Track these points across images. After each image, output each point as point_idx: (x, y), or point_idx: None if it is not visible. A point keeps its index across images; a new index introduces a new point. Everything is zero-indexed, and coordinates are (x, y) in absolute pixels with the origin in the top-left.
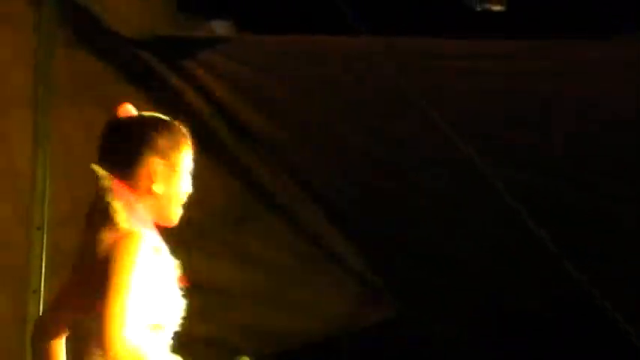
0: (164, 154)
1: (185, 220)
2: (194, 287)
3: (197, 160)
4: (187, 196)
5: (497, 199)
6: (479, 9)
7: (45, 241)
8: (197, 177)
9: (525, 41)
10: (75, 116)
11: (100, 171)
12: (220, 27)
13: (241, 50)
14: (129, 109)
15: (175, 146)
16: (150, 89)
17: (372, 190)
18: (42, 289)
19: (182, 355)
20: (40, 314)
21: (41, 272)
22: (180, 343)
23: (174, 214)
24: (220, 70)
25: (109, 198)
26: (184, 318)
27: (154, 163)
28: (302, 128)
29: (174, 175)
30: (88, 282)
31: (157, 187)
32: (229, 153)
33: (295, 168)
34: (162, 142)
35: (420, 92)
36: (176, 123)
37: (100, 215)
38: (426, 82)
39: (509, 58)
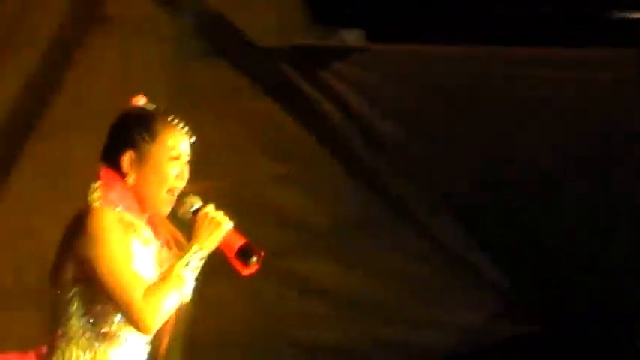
0: (136, 146)
1: (316, 227)
2: (322, 293)
3: (330, 169)
4: (178, 185)
5: None
6: None
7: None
8: (329, 185)
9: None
10: (207, 125)
11: (99, 162)
12: (351, 36)
13: (373, 59)
14: (137, 100)
15: (150, 138)
16: (285, 99)
17: (507, 200)
18: None
19: None
20: None
21: None
22: (306, 349)
23: (159, 204)
24: (353, 79)
25: (93, 183)
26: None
27: (125, 155)
28: (433, 137)
29: (148, 166)
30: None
31: (130, 178)
32: (363, 162)
33: (428, 177)
34: (135, 134)
35: (541, 100)
36: (160, 114)
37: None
38: (545, 91)
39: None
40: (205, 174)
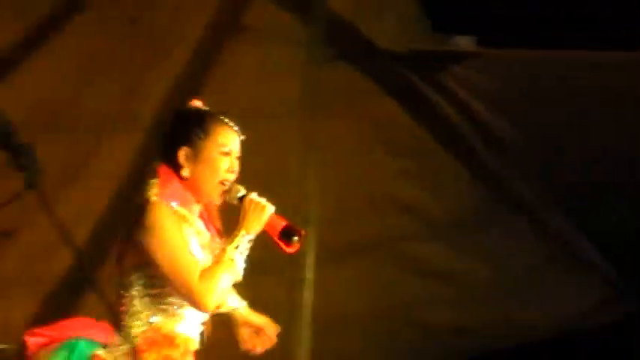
0: (191, 143)
1: (435, 216)
2: (439, 276)
3: (448, 164)
4: (229, 177)
5: None
6: None
7: (314, 236)
8: (447, 179)
9: None
10: (342, 132)
11: (156, 160)
12: (463, 42)
13: (485, 63)
14: (193, 102)
15: (204, 135)
16: (405, 100)
17: (612, 191)
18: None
19: (431, 344)
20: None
21: (310, 263)
22: (422, 327)
23: (212, 194)
24: (466, 81)
25: (150, 178)
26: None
27: (181, 151)
28: (543, 135)
29: (202, 160)
30: (127, 244)
31: (185, 172)
32: (478, 158)
33: (539, 173)
34: (191, 132)
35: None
36: (211, 115)
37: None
38: None
39: None
40: (336, 169)
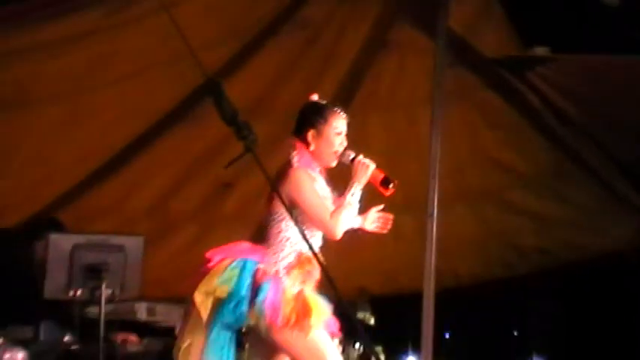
0: (314, 125)
1: (523, 172)
2: (527, 214)
3: (530, 137)
4: (340, 149)
5: None
6: None
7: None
8: (532, 146)
9: None
10: (458, 116)
11: (293, 138)
12: (540, 50)
13: (559, 65)
14: (313, 97)
15: (324, 121)
16: (505, 93)
17: None
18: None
19: (522, 262)
20: None
21: (435, 205)
22: (517, 249)
23: (330, 161)
24: (546, 78)
25: (292, 152)
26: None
27: (309, 132)
28: (602, 117)
29: (323, 138)
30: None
31: (312, 147)
32: (553, 133)
33: (597, 141)
34: (315, 118)
35: None
36: (329, 105)
37: (288, 162)
38: None
39: None
40: (454, 140)
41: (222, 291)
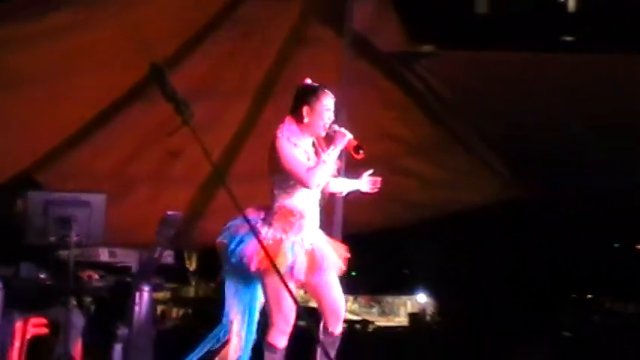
0: (309, 103)
1: (412, 142)
2: (413, 175)
3: (417, 116)
4: (328, 121)
5: None
6: None
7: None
8: (416, 124)
9: None
10: (361, 99)
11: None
12: (427, 47)
13: (441, 59)
14: (306, 81)
15: (316, 99)
16: (397, 81)
17: (515, 128)
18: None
19: (409, 215)
20: None
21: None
22: (408, 207)
23: (320, 131)
24: (431, 70)
25: (280, 125)
26: None
27: (303, 108)
28: (475, 101)
29: (315, 113)
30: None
31: (306, 120)
32: (435, 113)
33: (470, 120)
34: (309, 96)
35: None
36: (319, 87)
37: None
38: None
39: None
40: (355, 122)
41: (223, 245)
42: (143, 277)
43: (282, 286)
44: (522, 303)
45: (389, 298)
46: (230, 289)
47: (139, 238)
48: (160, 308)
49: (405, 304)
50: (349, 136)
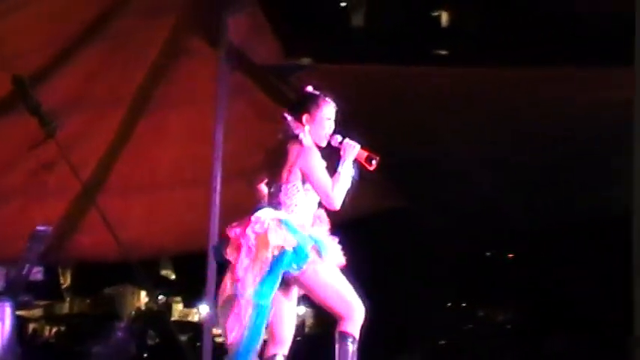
0: (309, 110)
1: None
2: None
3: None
4: (330, 130)
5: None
6: None
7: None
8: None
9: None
10: (237, 110)
11: (289, 119)
12: (305, 60)
13: (315, 72)
14: (308, 89)
15: (316, 106)
16: (272, 93)
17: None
18: None
19: None
20: None
21: None
22: None
23: (320, 142)
24: (306, 81)
25: (295, 129)
26: None
27: (304, 115)
28: (353, 114)
29: (315, 120)
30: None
31: (307, 128)
32: None
33: (352, 134)
34: (309, 104)
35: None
36: (320, 95)
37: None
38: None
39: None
40: (231, 134)
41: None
42: (10, 294)
43: (338, 278)
44: (398, 312)
45: None
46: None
47: (6, 254)
48: (31, 326)
49: None
50: (358, 146)
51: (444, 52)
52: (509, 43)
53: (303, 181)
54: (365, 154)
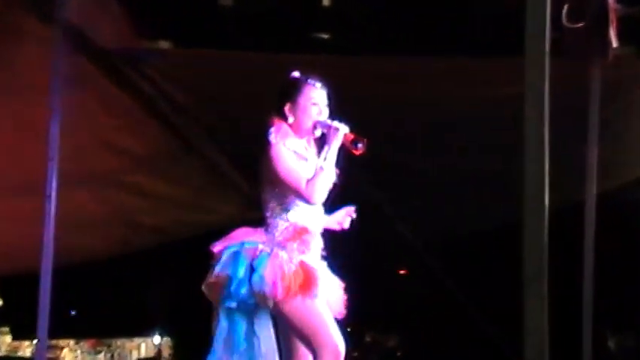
0: (292, 98)
1: (137, 155)
2: (142, 193)
3: (145, 123)
4: (319, 119)
5: None
6: None
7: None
8: (144, 133)
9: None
10: (77, 102)
11: (273, 114)
12: (163, 44)
13: (173, 59)
14: (294, 74)
15: (299, 92)
16: (120, 82)
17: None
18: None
19: (139, 241)
20: None
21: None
22: (138, 231)
23: (310, 131)
24: (160, 70)
25: (269, 127)
26: None
27: (286, 105)
28: (211, 106)
29: (299, 109)
30: (261, 171)
31: (289, 119)
32: (167, 120)
33: (207, 128)
34: (290, 91)
35: None
36: (304, 79)
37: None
38: None
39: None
40: (70, 130)
41: (223, 278)
42: None
43: (317, 313)
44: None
45: (119, 341)
46: (223, 329)
47: None
48: None
49: (138, 347)
50: (343, 129)
51: (325, 36)
52: (398, 27)
53: (281, 190)
54: (351, 136)
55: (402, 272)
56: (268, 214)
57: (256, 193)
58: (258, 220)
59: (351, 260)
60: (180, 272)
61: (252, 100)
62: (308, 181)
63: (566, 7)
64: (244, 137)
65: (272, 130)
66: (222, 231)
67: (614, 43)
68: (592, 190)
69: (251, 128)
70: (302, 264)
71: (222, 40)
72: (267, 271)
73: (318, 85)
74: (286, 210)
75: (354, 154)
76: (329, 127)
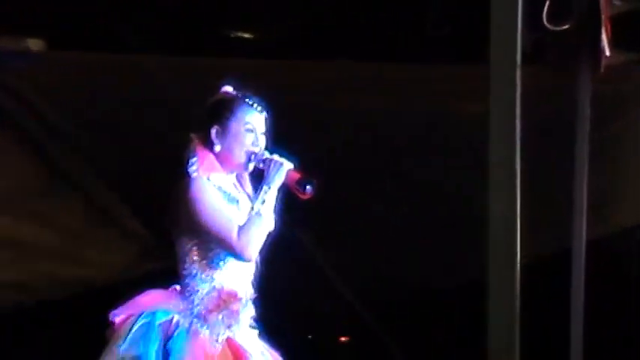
0: (220, 121)
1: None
2: (2, 240)
3: (6, 149)
4: (254, 149)
5: None
6: None
7: None
8: (5, 162)
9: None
10: None
11: (193, 139)
12: (35, 45)
13: (44, 63)
14: (225, 88)
15: (229, 114)
16: None
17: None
18: None
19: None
20: None
21: None
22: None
23: (241, 165)
24: (26, 79)
25: (190, 157)
26: None
27: (213, 129)
28: (92, 125)
29: (231, 135)
30: (176, 214)
31: (216, 147)
32: (33, 142)
33: (88, 155)
34: (220, 112)
35: None
36: (238, 98)
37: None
38: None
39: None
40: None
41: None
42: None
43: None
44: None
45: None
46: None
47: None
48: None
49: None
50: (287, 165)
51: (246, 35)
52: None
53: (204, 238)
54: (297, 175)
55: (342, 339)
56: (185, 272)
57: (159, 239)
58: (160, 272)
59: (286, 326)
60: (48, 347)
61: (153, 117)
62: (240, 229)
63: (547, 4)
64: (144, 167)
65: (193, 160)
66: (112, 289)
67: (607, 51)
68: (580, 235)
69: (154, 155)
70: (229, 342)
71: (112, 39)
72: (185, 357)
73: (257, 106)
74: (210, 267)
75: (301, 198)
76: (268, 161)
